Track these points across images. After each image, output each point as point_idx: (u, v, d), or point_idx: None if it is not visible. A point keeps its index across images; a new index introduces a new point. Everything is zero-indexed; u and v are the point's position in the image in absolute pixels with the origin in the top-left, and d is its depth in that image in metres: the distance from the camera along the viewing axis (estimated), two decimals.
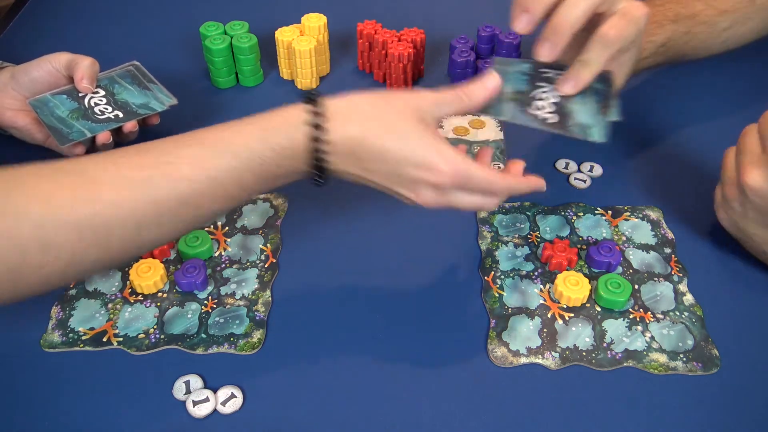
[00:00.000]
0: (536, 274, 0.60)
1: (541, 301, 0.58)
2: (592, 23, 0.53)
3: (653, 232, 0.64)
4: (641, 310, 0.57)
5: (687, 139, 0.73)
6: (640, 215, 0.66)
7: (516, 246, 0.62)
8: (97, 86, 0.68)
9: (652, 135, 0.74)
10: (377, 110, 0.51)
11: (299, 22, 0.82)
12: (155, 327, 0.55)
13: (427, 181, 0.49)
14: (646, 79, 0.80)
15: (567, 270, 0.60)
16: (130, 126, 0.66)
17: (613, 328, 0.55)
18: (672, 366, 0.53)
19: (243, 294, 0.58)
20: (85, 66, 0.66)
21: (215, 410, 0.50)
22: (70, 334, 0.55)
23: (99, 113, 0.65)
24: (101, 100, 0.67)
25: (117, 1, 0.99)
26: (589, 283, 0.57)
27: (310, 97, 0.50)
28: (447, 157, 0.49)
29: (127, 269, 0.59)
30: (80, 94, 0.66)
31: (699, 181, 0.67)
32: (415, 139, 0.49)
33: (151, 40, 0.91)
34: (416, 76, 0.84)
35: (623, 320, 0.56)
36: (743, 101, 0.79)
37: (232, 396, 0.51)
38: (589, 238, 0.63)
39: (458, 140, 0.74)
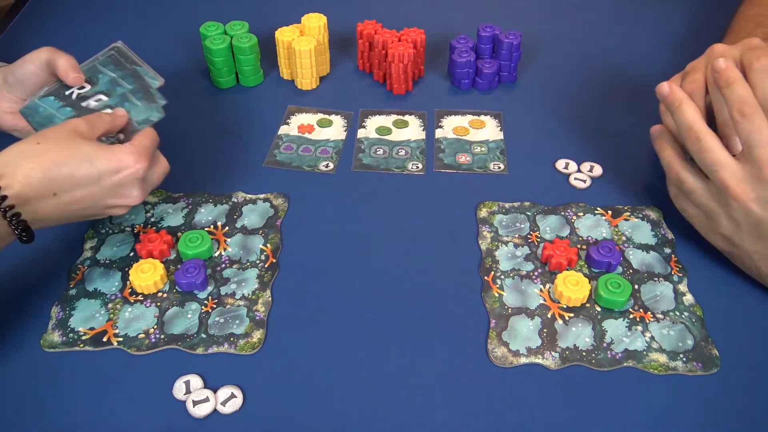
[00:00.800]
0: (536, 274, 0.60)
1: (541, 301, 0.58)
2: None
3: (653, 232, 0.64)
4: (641, 310, 0.57)
5: None
6: (640, 215, 0.66)
7: (516, 246, 0.62)
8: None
9: None
10: (44, 145, 0.52)
11: (299, 22, 0.82)
12: (155, 327, 0.55)
13: (130, 179, 0.53)
14: (647, 79, 0.80)
15: (567, 270, 0.60)
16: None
17: (613, 328, 0.55)
18: (672, 366, 0.53)
19: (243, 294, 0.58)
20: (63, 62, 0.63)
21: (215, 410, 0.50)
22: (70, 334, 0.55)
23: (92, 107, 0.63)
24: (90, 93, 0.65)
25: (117, 1, 0.99)
26: (589, 283, 0.57)
27: None
28: (125, 151, 0.54)
29: (127, 269, 0.59)
30: (67, 92, 0.64)
31: None
32: (95, 153, 0.52)
33: (151, 40, 0.91)
34: (416, 76, 0.84)
35: (623, 320, 0.56)
36: None
37: (232, 396, 0.51)
38: (589, 238, 0.63)
39: (458, 140, 0.74)
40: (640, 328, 0.55)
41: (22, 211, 0.50)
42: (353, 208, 0.67)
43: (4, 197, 0.49)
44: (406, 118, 0.78)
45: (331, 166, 0.71)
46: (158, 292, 0.58)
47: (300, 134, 0.75)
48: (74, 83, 0.64)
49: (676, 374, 0.52)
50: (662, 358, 0.53)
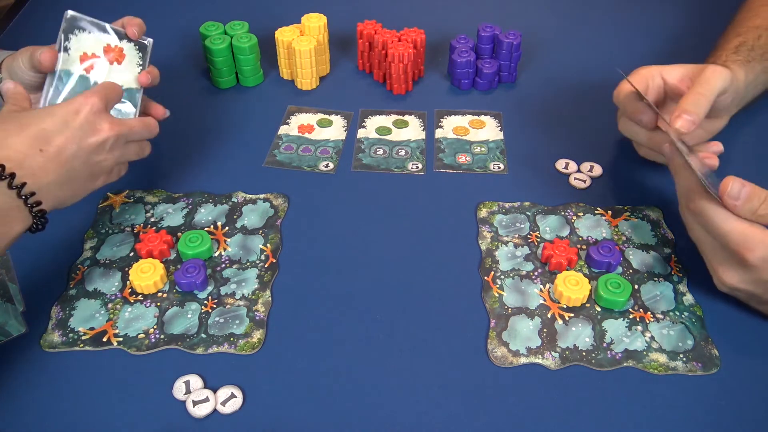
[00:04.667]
0: (536, 274, 0.60)
1: (541, 301, 0.58)
2: None
3: (653, 232, 0.64)
4: (641, 310, 0.57)
5: None
6: (640, 215, 0.66)
7: (516, 246, 0.62)
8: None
9: None
10: (2, 124, 0.54)
11: (299, 22, 0.82)
12: (155, 327, 0.55)
13: (91, 114, 0.55)
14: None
15: (567, 270, 0.60)
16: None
17: (613, 328, 0.55)
18: (672, 366, 0.53)
19: (243, 294, 0.58)
20: (39, 54, 0.64)
21: (215, 410, 0.50)
22: (70, 334, 0.55)
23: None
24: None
25: (117, 2, 0.99)
26: (589, 283, 0.57)
27: None
28: (77, 97, 0.56)
29: (127, 269, 0.59)
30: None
31: None
32: (49, 108, 0.55)
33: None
34: (416, 76, 0.84)
35: (623, 320, 0.56)
36: None
37: (232, 396, 0.51)
38: (589, 238, 0.63)
39: (458, 140, 0.74)
40: (640, 328, 0.55)
41: (22, 175, 0.51)
42: (353, 208, 0.67)
43: (2, 166, 0.50)
44: (406, 118, 0.78)
45: (331, 166, 0.71)
46: (158, 292, 0.58)
47: (300, 134, 0.75)
48: (45, 66, 0.64)
49: (676, 374, 0.52)
50: (662, 358, 0.53)
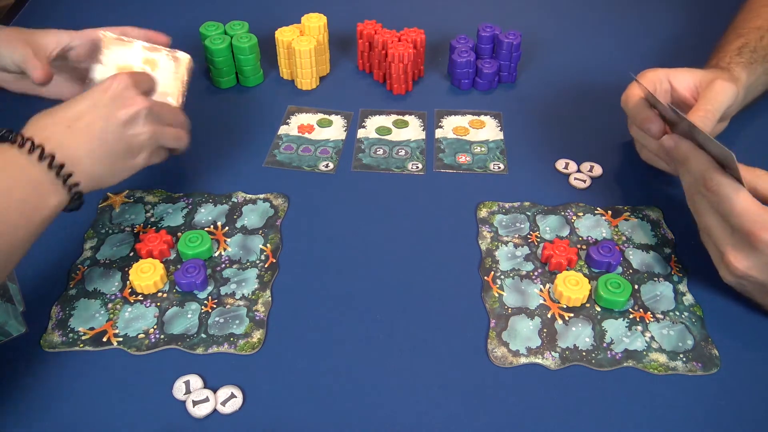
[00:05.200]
0: (536, 274, 0.60)
1: (541, 301, 0.58)
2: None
3: (653, 232, 0.64)
4: (641, 310, 0.57)
5: None
6: (640, 215, 0.66)
7: (516, 246, 0.62)
8: None
9: None
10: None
11: (299, 22, 0.82)
12: (155, 327, 0.55)
13: (121, 89, 0.56)
14: None
15: (567, 270, 0.60)
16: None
17: (613, 328, 0.55)
18: (672, 366, 0.53)
19: (243, 294, 0.58)
20: (33, 71, 0.67)
21: (215, 410, 0.50)
22: (70, 334, 0.55)
23: None
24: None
25: (117, 2, 0.99)
26: (589, 283, 0.57)
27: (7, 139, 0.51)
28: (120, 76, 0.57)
29: (127, 269, 0.59)
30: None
31: None
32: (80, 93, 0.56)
33: None
34: (416, 76, 0.84)
35: (623, 320, 0.56)
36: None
37: (232, 396, 0.51)
38: (589, 238, 0.63)
39: (458, 140, 0.74)
40: (640, 328, 0.55)
41: (51, 149, 0.51)
42: (353, 208, 0.67)
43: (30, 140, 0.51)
44: (406, 118, 0.78)
45: (331, 166, 0.71)
46: (158, 292, 0.58)
47: (300, 134, 0.75)
48: (39, 78, 0.66)
49: (676, 374, 0.52)
50: (662, 358, 0.53)
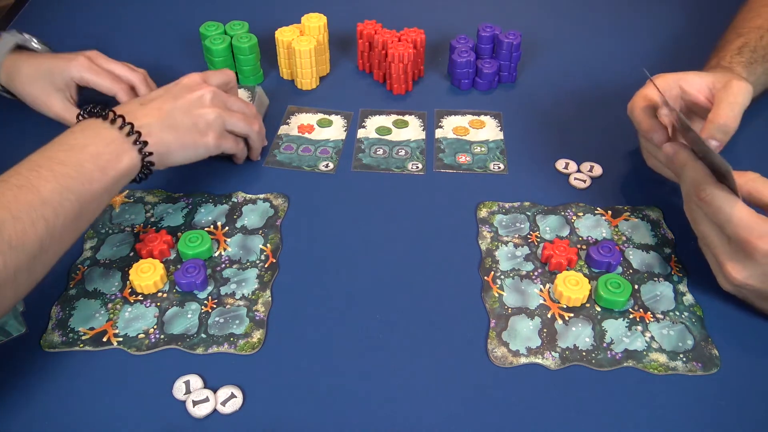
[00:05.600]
0: (536, 274, 0.60)
1: (541, 301, 0.58)
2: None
3: (653, 232, 0.64)
4: (641, 310, 0.57)
5: None
6: (640, 215, 0.66)
7: (516, 246, 0.62)
8: None
9: None
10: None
11: (299, 22, 0.82)
12: (155, 327, 0.55)
13: (191, 81, 0.63)
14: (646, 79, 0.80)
15: (567, 270, 0.60)
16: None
17: (613, 328, 0.55)
18: (672, 366, 0.53)
19: (243, 294, 0.58)
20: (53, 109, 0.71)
21: (215, 410, 0.50)
22: (70, 334, 0.55)
23: None
24: None
25: (117, 1, 0.99)
26: (589, 283, 0.57)
27: (101, 115, 0.57)
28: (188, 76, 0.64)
29: (127, 269, 0.59)
30: None
31: None
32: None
33: (151, 40, 0.91)
34: (416, 76, 0.84)
35: (623, 320, 0.56)
36: None
37: (232, 396, 0.51)
38: (589, 238, 0.63)
39: (458, 140, 0.74)
40: (640, 328, 0.55)
41: (126, 115, 0.57)
42: (353, 208, 0.67)
43: (104, 109, 0.57)
44: (406, 118, 0.78)
45: (331, 166, 0.71)
46: (158, 292, 0.58)
47: (300, 134, 0.75)
48: None
49: (676, 374, 0.52)
50: (662, 358, 0.53)
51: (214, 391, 0.51)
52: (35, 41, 0.73)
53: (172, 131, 0.59)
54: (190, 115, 0.61)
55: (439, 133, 0.76)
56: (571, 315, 0.56)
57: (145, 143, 0.57)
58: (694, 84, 0.64)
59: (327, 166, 0.71)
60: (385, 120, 0.78)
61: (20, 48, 0.72)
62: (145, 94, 0.63)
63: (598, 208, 0.66)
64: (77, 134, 0.55)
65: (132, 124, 0.56)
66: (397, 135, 0.75)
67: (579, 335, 0.55)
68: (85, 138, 0.55)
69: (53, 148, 0.54)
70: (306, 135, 0.75)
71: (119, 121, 0.56)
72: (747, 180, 0.52)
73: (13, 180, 0.50)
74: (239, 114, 0.65)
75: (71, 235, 0.53)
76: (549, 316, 0.56)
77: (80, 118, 0.58)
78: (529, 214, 0.66)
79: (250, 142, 0.69)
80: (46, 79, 0.69)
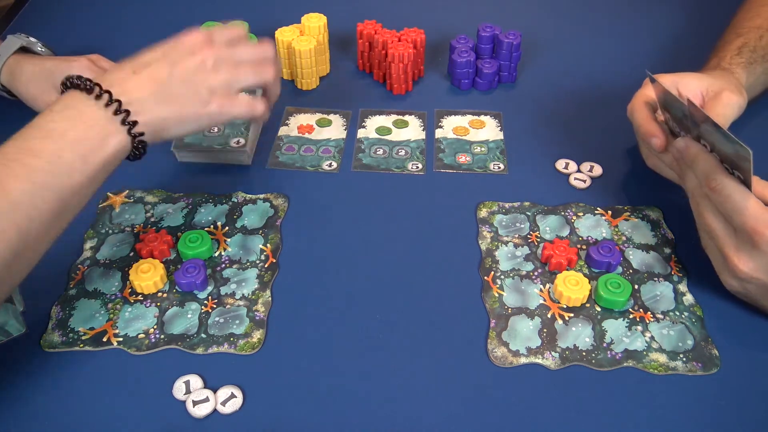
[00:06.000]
0: (536, 274, 0.60)
1: (541, 301, 0.58)
2: None
3: (653, 232, 0.64)
4: (641, 310, 0.57)
5: None
6: (640, 215, 0.66)
7: (516, 246, 0.62)
8: None
9: None
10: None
11: (299, 22, 0.82)
12: (155, 327, 0.55)
13: (190, 38, 0.55)
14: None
15: (567, 270, 0.60)
16: None
17: (613, 328, 0.55)
18: (672, 366, 0.53)
19: (243, 294, 0.58)
20: None
21: (215, 410, 0.50)
22: (70, 334, 0.55)
23: None
24: None
25: (117, 2, 0.99)
26: (589, 283, 0.57)
27: (84, 87, 0.50)
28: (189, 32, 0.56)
29: (127, 269, 0.59)
30: None
31: None
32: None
33: (151, 40, 0.90)
34: (416, 76, 0.84)
35: (623, 320, 0.56)
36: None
37: (232, 396, 0.51)
38: (589, 238, 0.63)
39: (458, 140, 0.74)
40: (640, 328, 0.55)
41: (112, 90, 0.50)
42: (353, 208, 0.67)
43: (89, 80, 0.50)
44: (406, 118, 0.78)
45: (335, 165, 0.71)
46: (158, 292, 0.58)
47: (300, 135, 0.75)
48: None
49: (676, 374, 0.52)
50: (662, 358, 0.53)
51: (214, 391, 0.51)
52: (40, 45, 0.74)
53: (168, 104, 0.53)
54: (190, 83, 0.54)
55: (439, 133, 0.76)
56: (571, 315, 0.56)
57: (135, 123, 0.51)
58: (691, 87, 0.64)
59: (330, 165, 0.71)
60: (385, 120, 0.78)
61: (24, 50, 0.72)
62: (139, 55, 0.55)
63: (598, 208, 0.66)
64: (55, 115, 0.49)
65: (120, 102, 0.50)
66: (397, 135, 0.75)
67: (579, 335, 0.55)
68: (65, 120, 0.49)
69: (28, 134, 0.48)
70: (306, 135, 0.75)
71: (105, 97, 0.50)
72: (763, 186, 0.52)
73: None
74: (248, 66, 0.58)
75: (51, 234, 0.48)
76: (549, 316, 0.56)
77: (63, 89, 0.51)
78: (529, 214, 0.66)
79: (267, 94, 0.62)
80: (47, 80, 0.69)
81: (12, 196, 0.44)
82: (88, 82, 0.50)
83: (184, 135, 0.56)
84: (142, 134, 0.51)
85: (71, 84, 0.51)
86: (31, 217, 0.45)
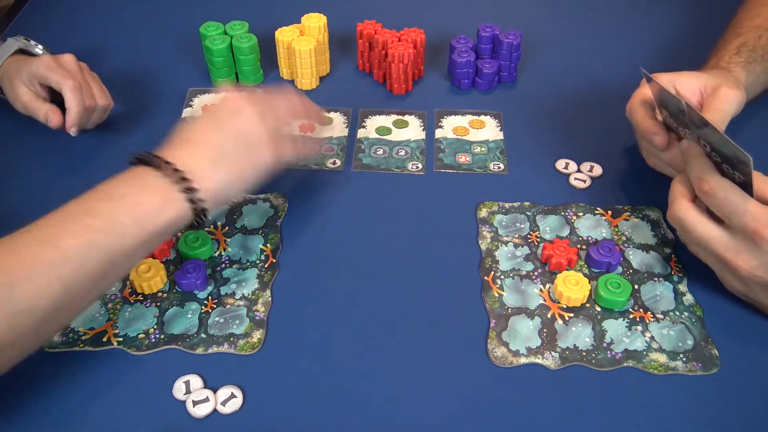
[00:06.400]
0: (536, 274, 0.60)
1: (541, 301, 0.58)
2: None
3: (653, 232, 0.64)
4: (641, 310, 0.57)
5: None
6: (640, 215, 0.66)
7: (516, 246, 0.62)
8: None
9: None
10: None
11: (299, 22, 0.82)
12: (155, 327, 0.55)
13: (232, 96, 0.57)
14: None
15: (567, 270, 0.60)
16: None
17: (613, 328, 0.55)
18: (672, 366, 0.53)
19: (243, 294, 0.58)
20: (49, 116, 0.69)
21: (215, 410, 0.50)
22: (70, 334, 0.55)
23: None
24: None
25: (117, 1, 0.99)
26: (589, 283, 0.57)
27: (151, 163, 0.52)
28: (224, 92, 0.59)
29: None
30: None
31: None
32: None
33: (151, 40, 0.91)
34: (416, 76, 0.84)
35: (623, 320, 0.56)
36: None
37: (232, 396, 0.51)
38: (589, 238, 0.63)
39: (458, 140, 0.74)
40: (640, 328, 0.55)
41: (170, 158, 0.51)
42: (353, 208, 0.67)
43: (151, 154, 0.51)
44: (406, 118, 0.78)
45: (339, 162, 0.71)
46: (158, 292, 0.58)
47: (302, 134, 0.75)
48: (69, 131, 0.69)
49: (676, 374, 0.52)
50: (662, 358, 0.53)
51: (214, 391, 0.51)
52: (40, 48, 0.74)
53: (226, 165, 0.53)
54: (242, 140, 0.55)
55: (439, 133, 0.76)
56: (571, 315, 0.56)
57: (196, 190, 0.51)
58: (688, 85, 0.64)
59: (334, 163, 0.71)
60: (385, 120, 0.78)
61: (23, 52, 0.73)
62: (185, 126, 0.56)
63: (598, 208, 0.66)
64: (119, 182, 0.50)
65: (180, 171, 0.51)
66: (397, 135, 0.75)
67: (579, 335, 0.55)
68: (127, 187, 0.50)
69: (91, 195, 0.49)
70: (308, 134, 0.75)
71: (167, 167, 0.50)
72: (763, 181, 0.52)
73: (40, 233, 0.46)
74: (284, 107, 0.60)
75: (92, 294, 0.49)
76: (549, 316, 0.56)
77: (130, 165, 0.52)
78: (529, 214, 0.66)
79: (311, 120, 0.64)
80: (19, 77, 0.69)
81: (65, 250, 0.45)
82: (151, 157, 0.51)
83: (244, 193, 0.56)
84: (202, 201, 0.51)
85: (138, 160, 0.52)
86: (77, 273, 0.45)
